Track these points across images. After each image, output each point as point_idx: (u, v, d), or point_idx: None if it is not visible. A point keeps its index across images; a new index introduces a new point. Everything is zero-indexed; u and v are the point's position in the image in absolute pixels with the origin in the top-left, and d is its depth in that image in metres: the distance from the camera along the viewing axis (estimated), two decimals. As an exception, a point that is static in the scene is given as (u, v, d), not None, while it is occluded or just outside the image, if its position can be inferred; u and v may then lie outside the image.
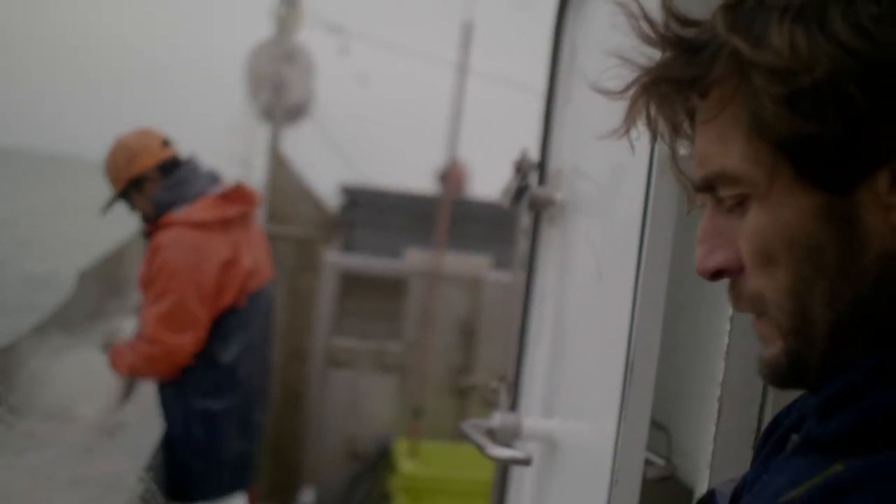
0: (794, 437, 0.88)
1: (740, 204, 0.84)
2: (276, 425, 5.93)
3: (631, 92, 0.90)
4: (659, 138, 0.93)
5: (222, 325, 3.77)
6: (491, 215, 6.70)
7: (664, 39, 0.86)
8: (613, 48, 0.92)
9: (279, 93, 7.10)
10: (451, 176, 6.52)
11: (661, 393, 1.60)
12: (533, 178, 2.29)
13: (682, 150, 0.95)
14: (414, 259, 6.47)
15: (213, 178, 3.86)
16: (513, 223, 2.92)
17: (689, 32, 0.86)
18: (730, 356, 1.48)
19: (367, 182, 7.53)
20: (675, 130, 0.92)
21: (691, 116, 0.89)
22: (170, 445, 3.67)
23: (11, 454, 2.69)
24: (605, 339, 1.73)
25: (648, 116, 0.90)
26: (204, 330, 3.70)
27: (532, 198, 2.25)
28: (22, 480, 2.61)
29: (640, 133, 0.94)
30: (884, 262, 0.78)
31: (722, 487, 1.05)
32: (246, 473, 3.94)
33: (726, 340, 1.47)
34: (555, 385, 2.14)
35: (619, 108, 0.93)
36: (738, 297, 0.88)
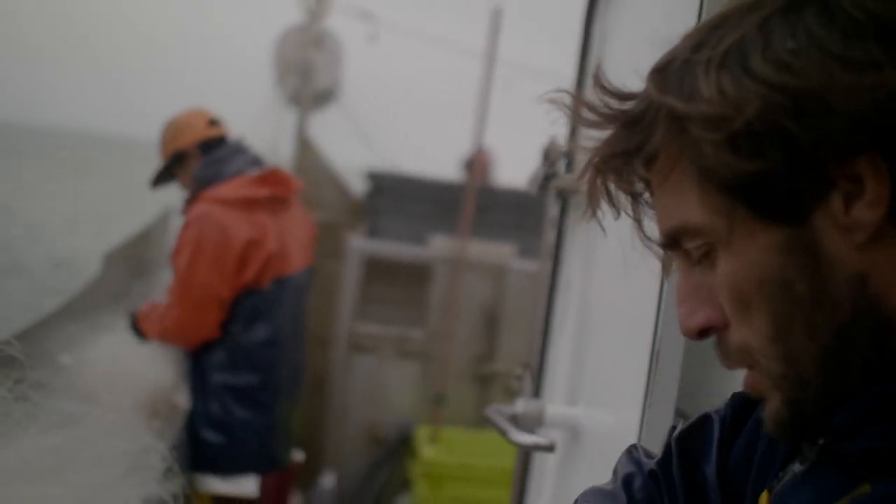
0: (809, 455, 0.87)
1: (707, 255, 0.86)
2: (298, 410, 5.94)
3: (587, 176, 0.93)
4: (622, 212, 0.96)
5: (244, 304, 3.82)
6: (516, 203, 6.69)
7: (606, 118, 0.89)
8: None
9: (306, 78, 7.10)
10: (477, 163, 6.51)
11: (686, 382, 1.60)
12: (561, 166, 2.29)
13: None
14: (438, 246, 6.47)
15: (255, 161, 3.95)
16: (537, 211, 2.92)
17: (627, 105, 0.88)
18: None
19: (393, 168, 7.53)
20: (636, 201, 0.94)
21: (648, 184, 0.91)
22: (189, 418, 3.78)
23: (38, 432, 2.71)
24: (631, 329, 1.73)
25: (608, 193, 0.93)
26: (225, 304, 3.77)
27: (560, 186, 2.25)
28: (46, 458, 2.63)
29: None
30: (854, 283, 0.79)
31: (714, 415, 1.08)
32: (266, 456, 3.96)
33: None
34: (579, 373, 2.13)
35: None
36: (727, 354, 0.89)
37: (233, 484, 3.84)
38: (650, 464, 1.12)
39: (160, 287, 4.85)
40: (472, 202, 6.07)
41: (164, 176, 4.02)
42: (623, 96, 0.89)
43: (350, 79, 7.69)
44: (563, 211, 2.32)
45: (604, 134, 0.90)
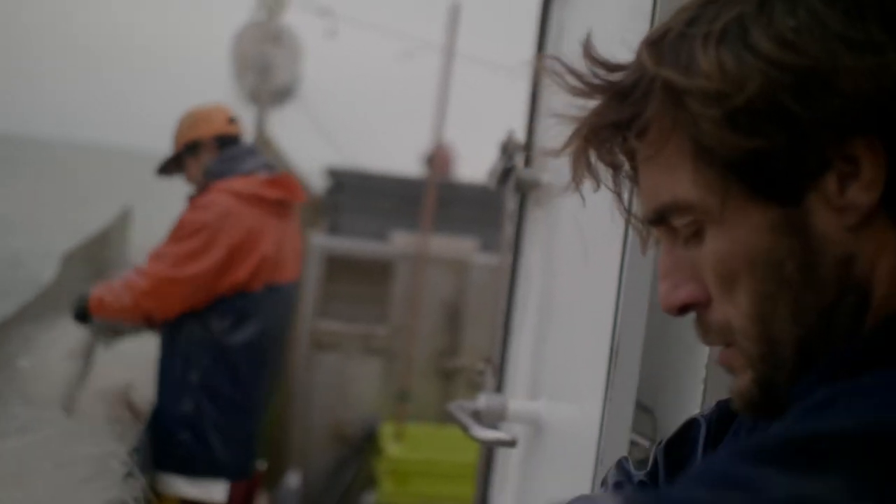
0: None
1: (696, 233, 0.85)
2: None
3: (573, 146, 0.91)
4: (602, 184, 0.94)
5: (233, 305, 3.78)
6: (477, 198, 6.69)
7: (594, 88, 0.88)
8: (550, 109, 0.94)
9: (265, 75, 7.06)
10: (438, 159, 6.50)
11: (647, 375, 1.60)
12: (519, 160, 2.28)
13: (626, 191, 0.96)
14: (400, 242, 6.46)
15: (267, 165, 3.97)
16: (499, 206, 2.92)
17: (617, 76, 0.87)
18: (715, 338, 1.47)
19: (354, 165, 7.51)
20: (617, 174, 0.93)
21: (631, 157, 0.90)
22: (160, 416, 3.73)
23: (-4, 437, 2.68)
24: (591, 321, 1.73)
25: (588, 165, 0.92)
26: (208, 291, 3.72)
27: (518, 179, 2.25)
28: (5, 463, 2.60)
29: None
30: (841, 266, 0.79)
31: (700, 418, 1.08)
32: (238, 463, 3.91)
33: (712, 322, 1.47)
34: (540, 367, 2.13)
35: None
36: (706, 331, 0.88)
37: (201, 488, 3.78)
38: (639, 475, 1.13)
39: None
40: (433, 197, 6.06)
41: (172, 165, 3.99)
42: (612, 67, 0.88)
43: (309, 75, 7.66)
44: (522, 204, 2.32)
45: (589, 104, 0.89)
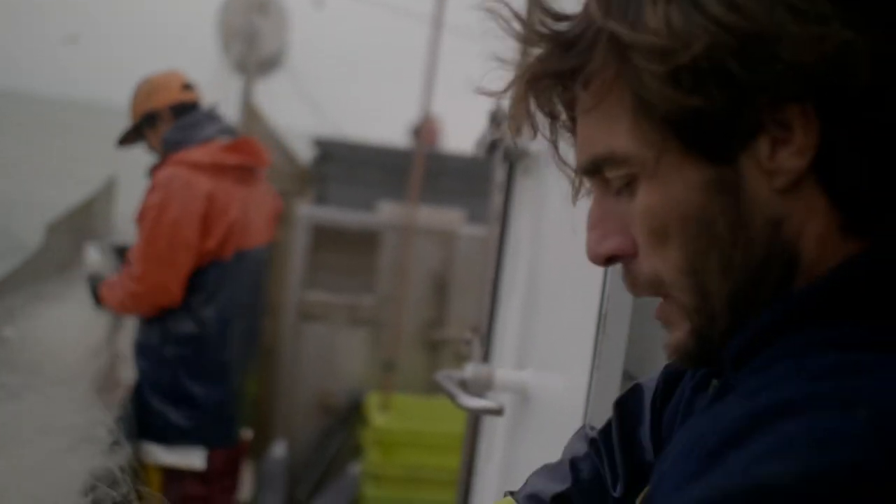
0: (715, 382, 0.90)
1: (628, 185, 0.86)
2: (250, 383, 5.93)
3: (512, 91, 0.92)
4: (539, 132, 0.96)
5: (206, 276, 3.80)
6: (464, 169, 6.68)
7: (539, 36, 0.88)
8: (491, 52, 0.94)
9: (251, 44, 7.01)
10: (425, 130, 6.48)
11: (634, 344, 1.60)
12: (507, 130, 2.27)
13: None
14: (387, 212, 6.45)
15: (227, 130, 3.94)
16: (487, 177, 2.92)
17: (562, 26, 0.88)
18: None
19: (341, 135, 7.47)
20: (554, 123, 0.94)
21: (570, 108, 0.91)
22: (139, 387, 3.80)
23: (-21, 406, 2.67)
24: (579, 291, 1.73)
25: (528, 112, 0.92)
26: (187, 270, 3.74)
27: (506, 149, 2.24)
28: (-10, 432, 2.59)
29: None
30: (770, 227, 0.80)
31: (647, 383, 1.13)
32: (216, 430, 3.94)
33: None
34: (528, 337, 2.14)
35: None
36: (635, 283, 0.90)
37: (179, 455, 3.82)
38: (593, 433, 1.17)
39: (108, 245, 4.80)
40: (420, 168, 6.04)
41: (131, 136, 3.96)
42: (558, 17, 0.89)
43: (296, 45, 7.60)
44: (510, 175, 2.31)
45: (534, 52, 0.90)
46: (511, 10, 0.90)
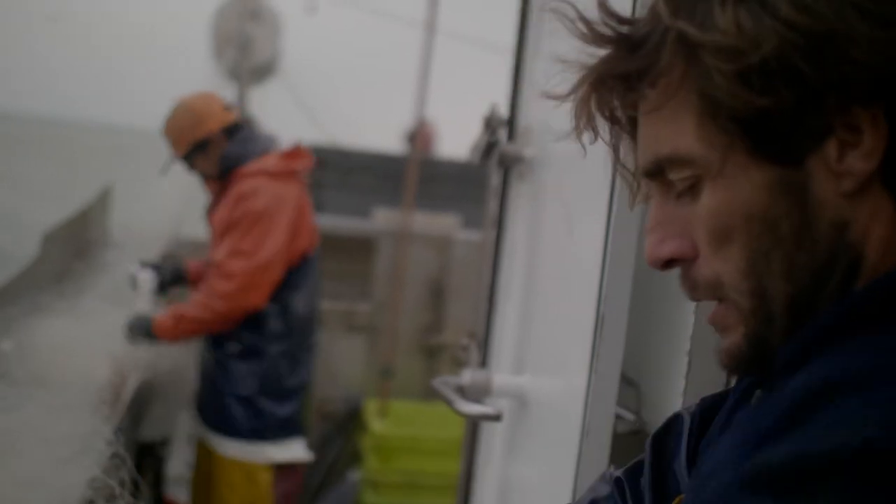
0: (758, 393, 0.89)
1: (691, 188, 0.86)
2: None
3: (579, 93, 0.91)
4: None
5: (297, 272, 3.96)
6: (460, 175, 6.69)
7: (604, 37, 0.88)
8: (556, 54, 0.93)
9: (245, 51, 7.01)
10: (420, 135, 6.48)
11: (632, 348, 1.60)
12: (502, 135, 2.28)
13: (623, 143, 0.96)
14: (382, 219, 6.45)
15: (272, 139, 4.10)
16: (482, 182, 2.92)
17: (626, 28, 0.87)
18: (699, 311, 1.48)
19: (335, 142, 7.48)
20: (614, 126, 0.94)
21: (633, 109, 0.90)
22: (212, 380, 3.95)
23: (-21, 417, 2.67)
24: (576, 295, 1.73)
25: (589, 114, 0.92)
26: (279, 272, 3.87)
27: (501, 154, 2.24)
28: (-10, 442, 2.59)
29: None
30: (835, 230, 0.80)
31: (683, 414, 1.09)
32: (301, 420, 4.15)
33: (696, 295, 1.47)
34: (525, 342, 2.13)
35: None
36: (694, 287, 0.89)
37: (286, 450, 4.04)
38: (617, 473, 1.14)
39: (100, 267, 4.78)
40: (415, 174, 6.04)
41: (178, 162, 4.03)
42: (622, 20, 0.88)
43: (290, 52, 7.61)
44: (506, 179, 2.31)
45: (598, 53, 0.89)
46: (577, 11, 0.90)
